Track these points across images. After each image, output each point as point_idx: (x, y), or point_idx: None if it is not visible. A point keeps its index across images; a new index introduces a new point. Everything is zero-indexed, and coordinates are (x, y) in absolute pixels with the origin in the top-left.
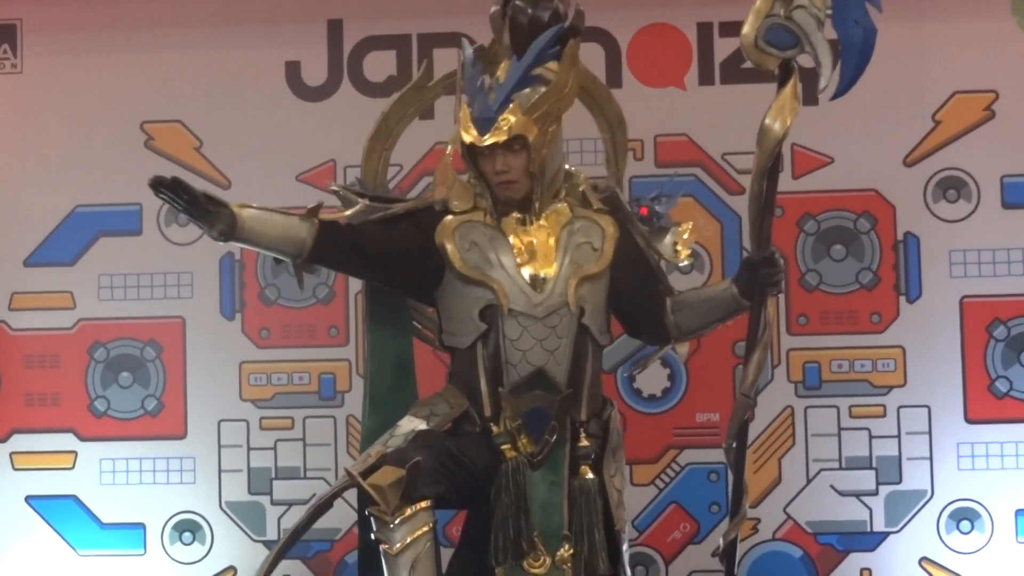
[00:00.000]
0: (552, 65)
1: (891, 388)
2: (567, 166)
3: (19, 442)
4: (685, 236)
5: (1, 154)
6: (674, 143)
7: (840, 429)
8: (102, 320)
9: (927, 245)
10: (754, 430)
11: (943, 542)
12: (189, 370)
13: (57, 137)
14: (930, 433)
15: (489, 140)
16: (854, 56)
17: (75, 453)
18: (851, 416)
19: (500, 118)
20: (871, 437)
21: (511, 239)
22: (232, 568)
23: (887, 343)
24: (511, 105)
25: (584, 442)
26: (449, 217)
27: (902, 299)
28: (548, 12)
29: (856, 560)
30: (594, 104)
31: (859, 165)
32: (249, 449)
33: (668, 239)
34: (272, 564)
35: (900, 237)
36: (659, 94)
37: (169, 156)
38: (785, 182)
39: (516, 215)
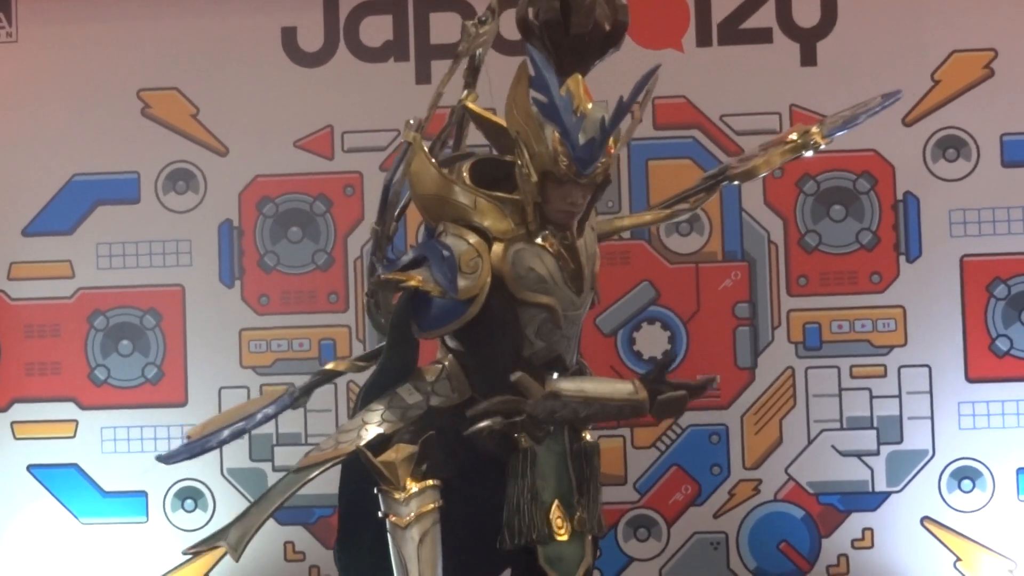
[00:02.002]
0: None
1: (892, 348)
2: None
3: (20, 411)
4: None
5: None
6: (672, 105)
7: (841, 389)
8: (101, 289)
9: (927, 205)
10: (755, 391)
11: (945, 501)
12: (189, 338)
13: (53, 106)
14: (931, 392)
15: (586, 181)
16: None
17: (76, 422)
18: (852, 376)
19: (600, 154)
20: (872, 397)
21: (551, 250)
22: None
23: (887, 303)
24: (609, 141)
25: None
26: (496, 245)
27: (902, 259)
28: (606, 20)
29: (858, 520)
30: None
31: (858, 125)
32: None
33: None
34: (251, 536)
35: (900, 197)
36: (657, 56)
37: (166, 123)
38: None
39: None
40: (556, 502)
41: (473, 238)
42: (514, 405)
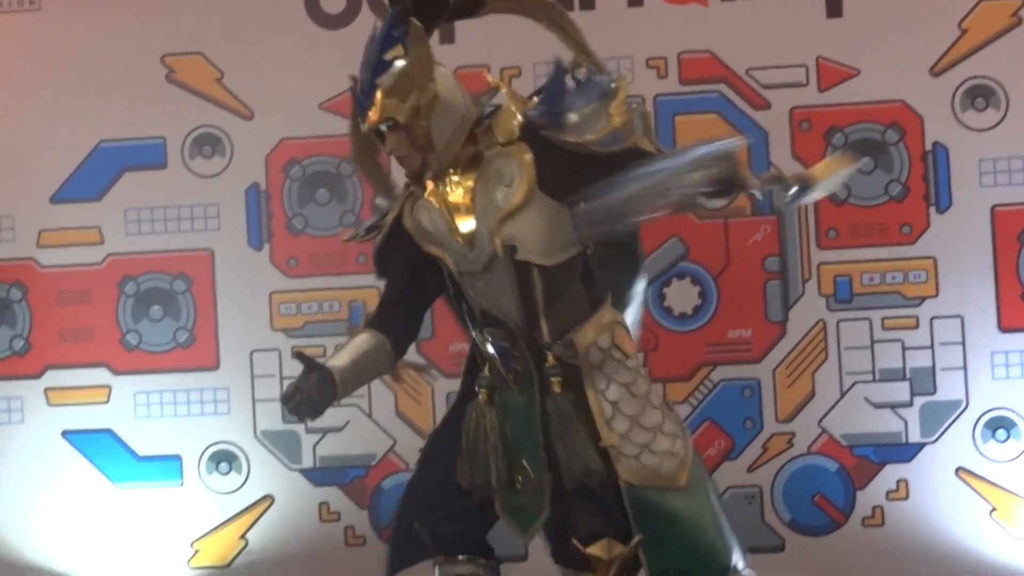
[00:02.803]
0: None
1: (923, 299)
2: (489, 107)
3: (53, 378)
4: (618, 97)
5: (23, 92)
6: (698, 60)
7: (873, 341)
8: (130, 255)
9: (956, 155)
10: (786, 345)
11: (979, 451)
12: (219, 301)
13: (78, 73)
14: (963, 343)
15: (364, 127)
16: None
17: (109, 387)
18: (884, 328)
19: (369, 105)
20: (904, 348)
21: (437, 206)
22: (270, 497)
23: (918, 254)
24: (376, 92)
25: (550, 361)
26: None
27: (932, 210)
28: None
29: (892, 472)
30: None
31: (885, 76)
32: (282, 378)
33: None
34: None
35: (929, 147)
36: (681, 10)
37: (191, 88)
38: (812, 95)
39: (429, 184)
40: (523, 459)
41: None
42: None
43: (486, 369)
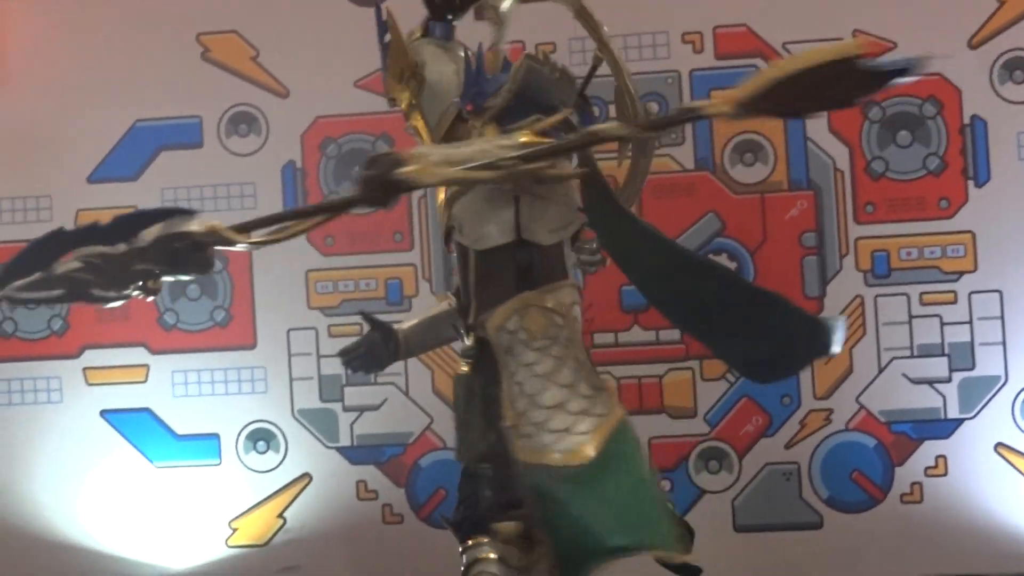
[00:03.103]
0: None
1: (961, 274)
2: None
3: (92, 358)
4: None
5: (60, 73)
6: (733, 34)
7: (911, 317)
8: None
9: (994, 128)
10: None
11: (1018, 427)
12: (256, 280)
13: (114, 53)
14: (1002, 318)
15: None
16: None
17: (147, 367)
18: (922, 303)
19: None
20: (943, 324)
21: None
22: (307, 475)
23: (956, 228)
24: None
25: (465, 343)
26: None
27: (970, 183)
28: None
29: (931, 448)
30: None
31: (923, 49)
32: (319, 356)
33: None
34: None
35: (967, 121)
36: None
37: (226, 67)
38: None
39: None
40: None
41: None
42: None
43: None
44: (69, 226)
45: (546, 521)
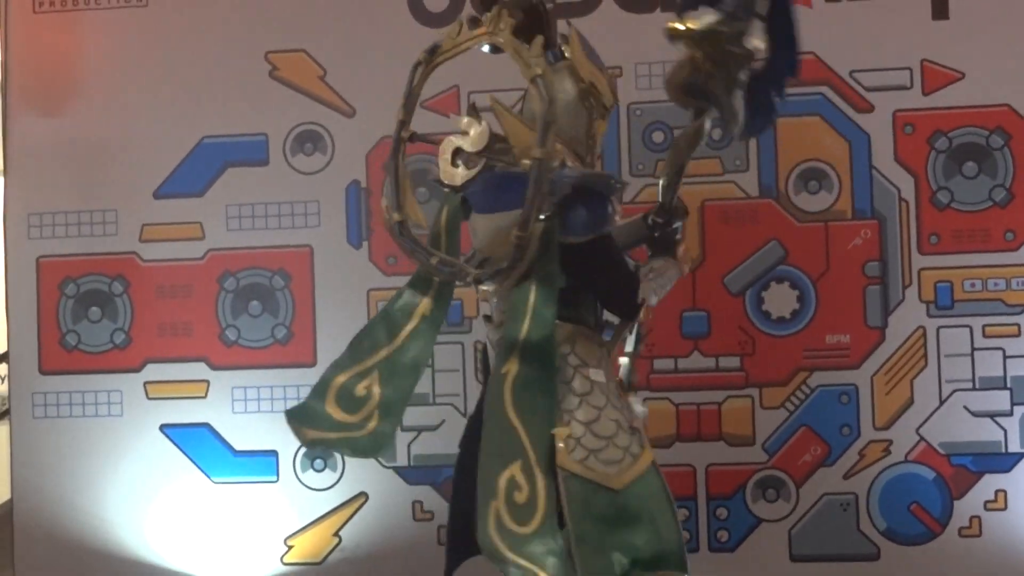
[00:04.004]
0: None
1: None
2: None
3: (153, 372)
4: None
5: (128, 88)
6: (801, 61)
7: (973, 349)
8: (231, 250)
9: None
10: (885, 351)
11: None
12: (318, 298)
13: (182, 69)
14: None
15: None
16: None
17: (207, 382)
18: (985, 336)
19: None
20: (1005, 357)
21: None
22: (364, 494)
23: (1021, 261)
24: None
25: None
26: None
27: None
28: None
29: (991, 481)
30: None
31: (991, 79)
32: None
33: None
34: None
35: None
36: None
37: (294, 85)
38: (916, 99)
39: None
40: None
41: None
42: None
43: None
44: (134, 240)
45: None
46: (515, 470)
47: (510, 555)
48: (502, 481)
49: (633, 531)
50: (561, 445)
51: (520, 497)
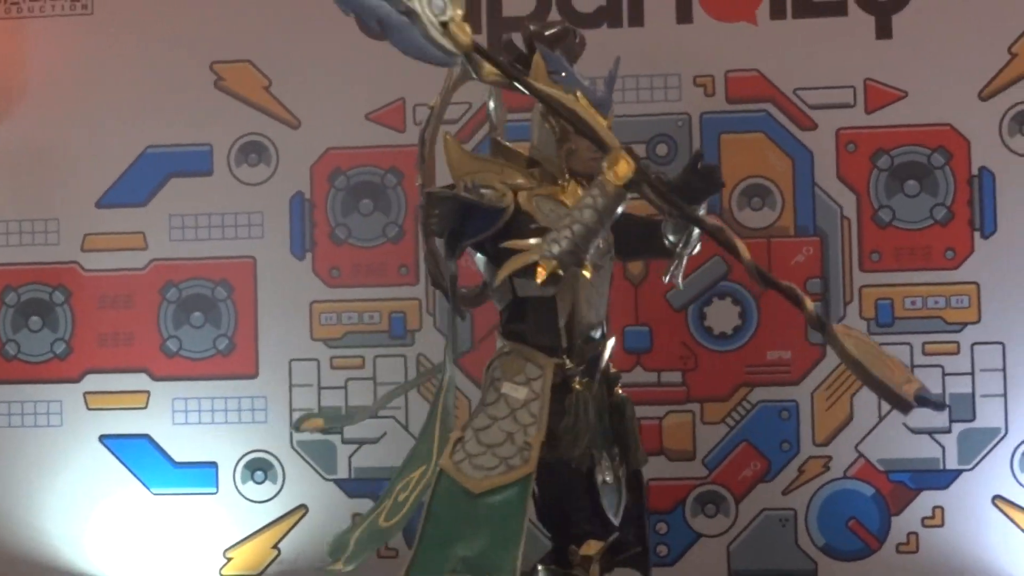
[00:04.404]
0: None
1: (965, 325)
2: None
3: (93, 382)
4: None
5: (72, 96)
6: (745, 78)
7: (913, 366)
8: (174, 260)
9: (1002, 180)
10: (826, 368)
11: (1017, 480)
12: (260, 310)
13: (127, 78)
14: (1004, 370)
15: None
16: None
17: (148, 393)
18: (924, 353)
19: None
20: (944, 374)
21: (567, 203)
22: (304, 507)
23: (961, 279)
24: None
25: (613, 369)
26: (520, 192)
27: (977, 235)
28: (578, 37)
29: (928, 498)
30: None
31: (933, 99)
32: (320, 388)
33: None
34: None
35: (975, 172)
36: (730, 29)
37: (239, 96)
38: (859, 117)
39: (560, 184)
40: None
41: (499, 184)
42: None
43: (567, 360)
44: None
45: None
46: (416, 474)
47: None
48: (399, 483)
49: (473, 536)
50: (448, 447)
51: (401, 496)
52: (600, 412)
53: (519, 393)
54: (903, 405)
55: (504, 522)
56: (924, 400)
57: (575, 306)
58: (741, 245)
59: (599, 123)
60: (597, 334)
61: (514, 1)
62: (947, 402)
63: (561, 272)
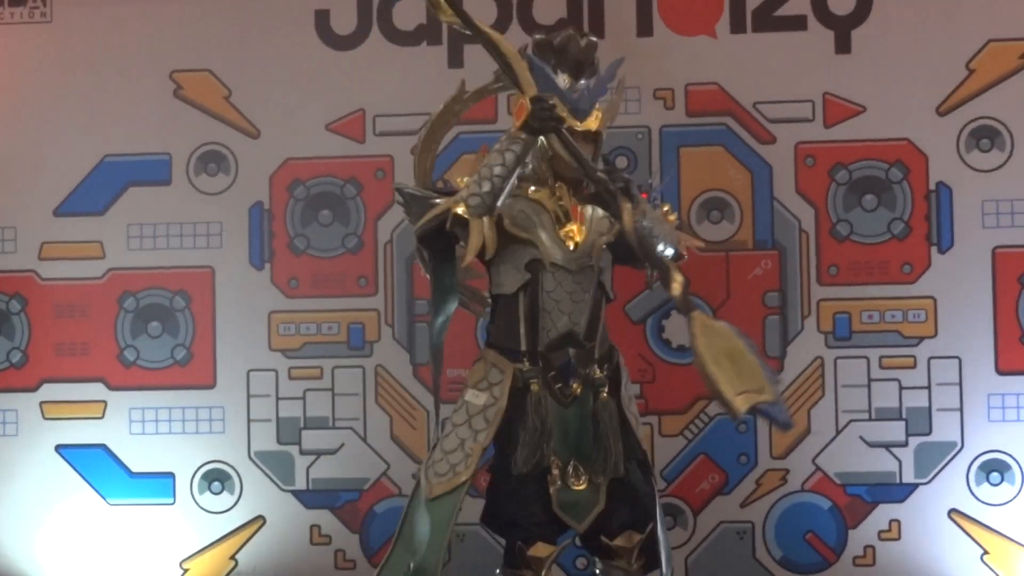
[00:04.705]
0: None
1: (922, 339)
2: None
3: (49, 392)
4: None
5: (30, 104)
6: (705, 92)
7: (870, 380)
8: (132, 270)
9: (960, 195)
10: (784, 380)
11: (972, 494)
12: (218, 320)
13: (86, 87)
14: (960, 384)
15: (583, 127)
16: None
17: (105, 403)
18: (881, 367)
19: (587, 114)
20: (901, 388)
21: (548, 206)
22: (261, 517)
23: (918, 294)
24: (596, 108)
25: (598, 374)
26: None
27: (934, 249)
28: (584, 41)
29: (885, 511)
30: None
31: (892, 114)
32: (278, 399)
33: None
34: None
35: (932, 187)
36: (690, 42)
37: (198, 105)
38: (818, 131)
39: (546, 189)
40: (573, 459)
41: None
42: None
43: (527, 364)
44: (33, 258)
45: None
46: None
47: None
48: None
49: (420, 541)
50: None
51: None
52: (579, 419)
53: (479, 399)
54: (730, 411)
55: (436, 528)
56: (763, 413)
57: (539, 309)
58: (626, 207)
59: (521, 67)
60: (571, 342)
61: (475, 12)
62: (904, 416)
63: (461, 213)
